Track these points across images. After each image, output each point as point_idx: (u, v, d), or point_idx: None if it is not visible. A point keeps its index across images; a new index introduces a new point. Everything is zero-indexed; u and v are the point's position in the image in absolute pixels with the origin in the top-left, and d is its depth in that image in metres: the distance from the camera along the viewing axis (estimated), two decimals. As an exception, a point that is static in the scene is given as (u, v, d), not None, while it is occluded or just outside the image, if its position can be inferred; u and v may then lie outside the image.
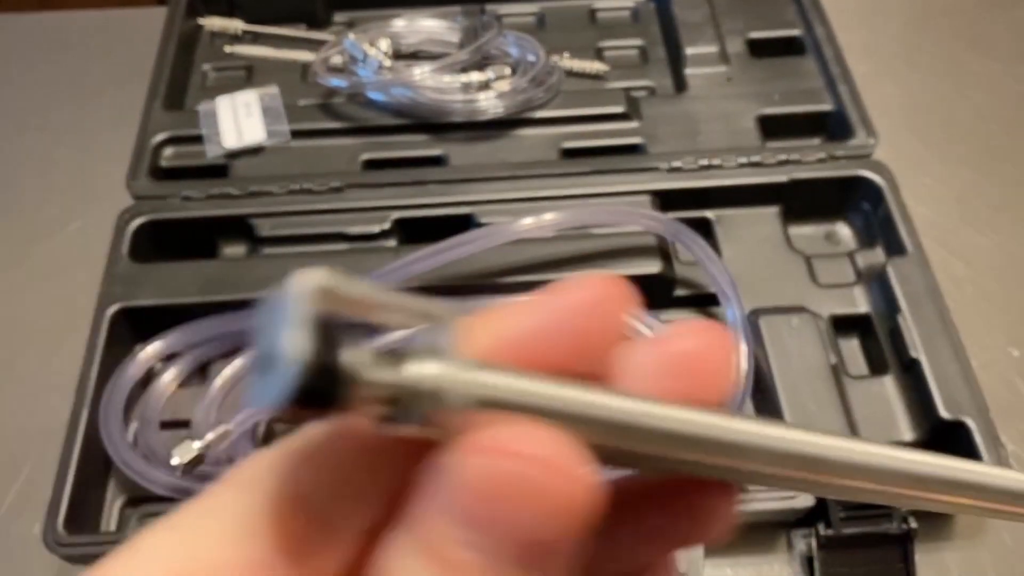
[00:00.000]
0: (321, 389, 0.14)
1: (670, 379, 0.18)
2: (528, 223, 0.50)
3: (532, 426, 0.15)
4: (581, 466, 0.15)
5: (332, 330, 0.14)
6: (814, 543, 0.44)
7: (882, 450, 0.19)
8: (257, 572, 0.15)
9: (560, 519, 0.15)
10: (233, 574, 0.15)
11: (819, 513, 0.44)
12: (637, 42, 0.65)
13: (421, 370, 0.15)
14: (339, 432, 0.16)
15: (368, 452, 0.16)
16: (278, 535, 0.15)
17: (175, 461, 0.44)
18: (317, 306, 0.14)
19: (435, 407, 0.15)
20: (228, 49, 0.65)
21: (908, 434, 0.47)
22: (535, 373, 0.16)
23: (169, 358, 0.49)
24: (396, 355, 0.15)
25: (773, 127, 0.59)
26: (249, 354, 0.14)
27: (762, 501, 0.43)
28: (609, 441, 0.16)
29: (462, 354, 0.16)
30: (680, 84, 0.62)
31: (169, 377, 0.49)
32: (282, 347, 0.14)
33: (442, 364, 0.15)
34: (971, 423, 0.45)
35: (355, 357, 0.14)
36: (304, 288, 0.14)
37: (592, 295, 0.17)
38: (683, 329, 0.18)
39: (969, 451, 0.44)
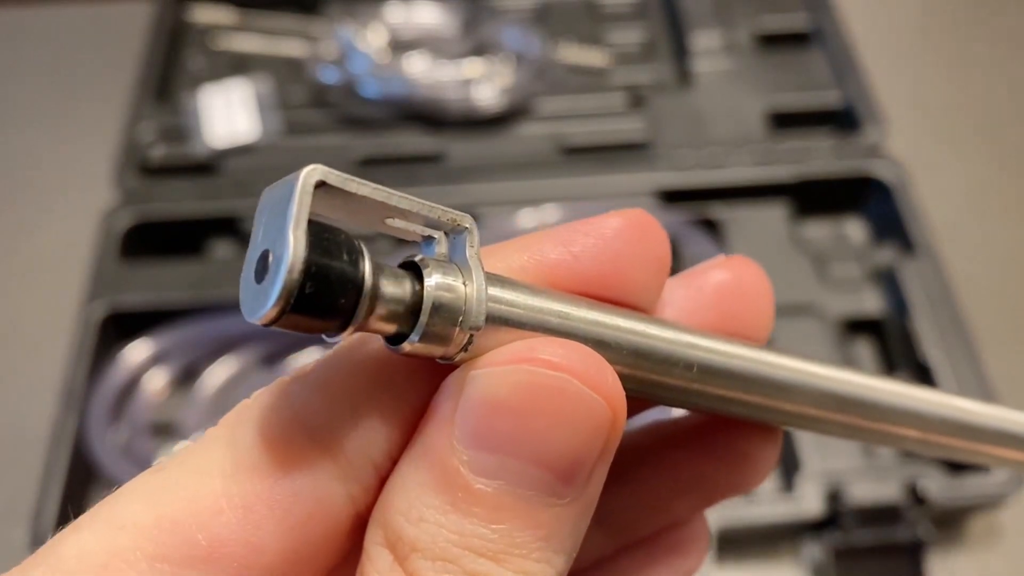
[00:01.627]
0: (321, 295, 0.12)
1: (705, 311, 0.17)
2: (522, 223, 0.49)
3: (554, 340, 0.14)
4: (609, 377, 0.14)
5: (335, 232, 0.13)
6: (825, 551, 0.42)
7: (934, 397, 0.18)
8: (255, 505, 0.14)
9: (589, 433, 0.14)
10: (229, 508, 0.14)
11: (830, 521, 0.42)
12: (641, 35, 0.64)
13: (433, 282, 0.13)
14: (349, 357, 0.15)
15: (382, 379, 0.15)
16: (280, 465, 0.14)
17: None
18: (320, 203, 0.13)
19: (449, 324, 0.13)
20: (219, 43, 0.63)
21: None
22: (561, 293, 0.15)
23: (156, 360, 0.48)
24: (408, 266, 0.14)
25: (781, 121, 0.57)
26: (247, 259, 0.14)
27: (771, 503, 0.42)
28: (636, 369, 0.15)
29: (481, 267, 0.14)
30: (686, 78, 0.60)
31: (158, 380, 0.48)
32: (279, 246, 0.12)
33: (457, 277, 0.14)
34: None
35: (360, 263, 0.13)
36: (305, 183, 0.12)
37: (624, 223, 0.16)
38: (717, 262, 0.18)
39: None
